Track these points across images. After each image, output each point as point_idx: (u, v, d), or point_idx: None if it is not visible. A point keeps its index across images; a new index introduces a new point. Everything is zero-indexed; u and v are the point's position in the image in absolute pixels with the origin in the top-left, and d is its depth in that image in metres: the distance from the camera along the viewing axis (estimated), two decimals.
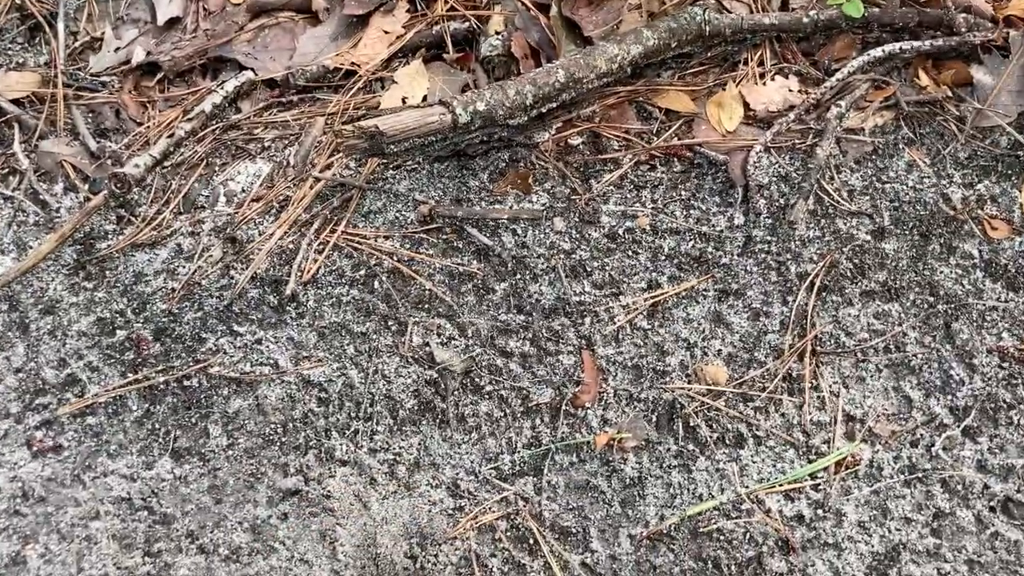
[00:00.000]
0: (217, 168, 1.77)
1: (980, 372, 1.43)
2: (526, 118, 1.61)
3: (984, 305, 1.47)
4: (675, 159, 1.64)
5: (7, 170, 1.81)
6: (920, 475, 1.37)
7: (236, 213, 1.70)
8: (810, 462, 1.40)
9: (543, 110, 1.63)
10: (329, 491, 1.45)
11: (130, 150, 1.81)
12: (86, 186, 1.77)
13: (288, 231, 1.65)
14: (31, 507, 1.49)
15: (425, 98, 1.76)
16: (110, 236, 1.71)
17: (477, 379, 1.51)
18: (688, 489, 1.40)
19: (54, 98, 1.87)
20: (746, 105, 1.68)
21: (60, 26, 1.94)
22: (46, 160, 1.81)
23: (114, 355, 1.59)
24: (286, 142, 1.77)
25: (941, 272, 1.50)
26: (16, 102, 1.87)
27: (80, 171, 1.79)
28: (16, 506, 1.49)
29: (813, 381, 1.45)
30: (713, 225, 1.57)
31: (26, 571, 1.44)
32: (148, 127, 1.83)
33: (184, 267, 1.65)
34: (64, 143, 1.82)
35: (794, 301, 1.50)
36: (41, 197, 1.77)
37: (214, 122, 1.82)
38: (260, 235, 1.66)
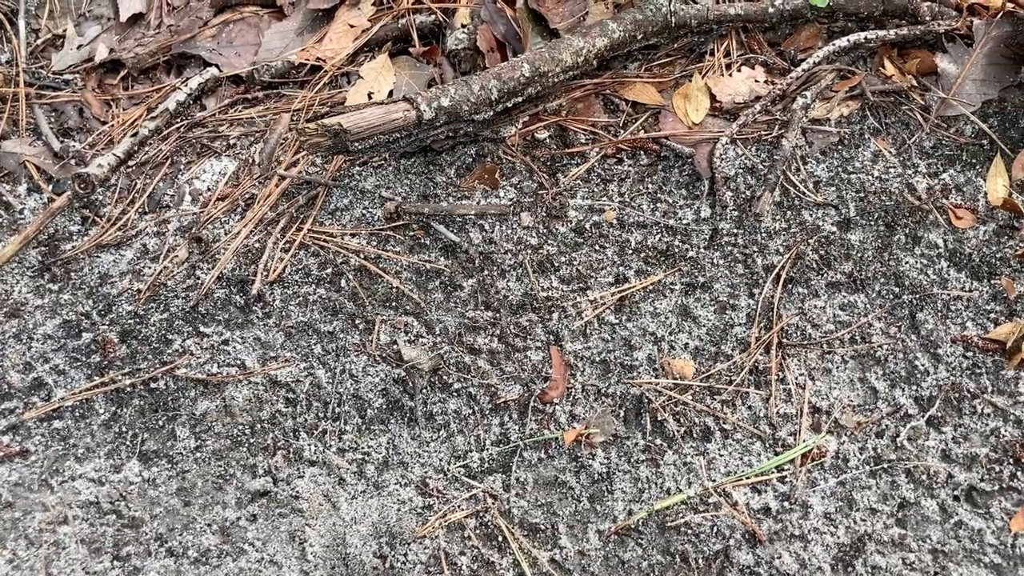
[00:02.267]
0: (182, 166, 1.75)
1: (945, 362, 1.43)
2: (492, 113, 1.60)
3: (949, 295, 1.47)
4: (642, 152, 1.64)
5: None
6: (885, 465, 1.38)
7: (202, 212, 1.68)
8: (776, 454, 1.41)
9: (509, 104, 1.62)
10: (298, 492, 1.45)
11: (94, 149, 1.79)
12: (50, 187, 1.75)
13: (254, 230, 1.64)
14: None
15: (391, 93, 1.75)
16: (75, 237, 1.69)
17: (445, 377, 1.50)
18: (656, 483, 1.41)
19: (16, 97, 1.84)
20: (712, 97, 1.67)
21: (21, 24, 1.92)
22: (8, 161, 1.79)
23: (80, 358, 1.57)
24: (252, 139, 1.76)
25: (906, 262, 1.50)
26: None
27: (44, 171, 1.77)
28: None
29: (779, 373, 1.45)
30: (680, 218, 1.57)
31: None
32: (112, 126, 1.81)
33: (150, 267, 1.64)
34: (27, 143, 1.80)
35: (760, 293, 1.50)
36: (4, 198, 1.75)
37: (178, 120, 1.80)
38: (226, 234, 1.65)
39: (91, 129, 1.83)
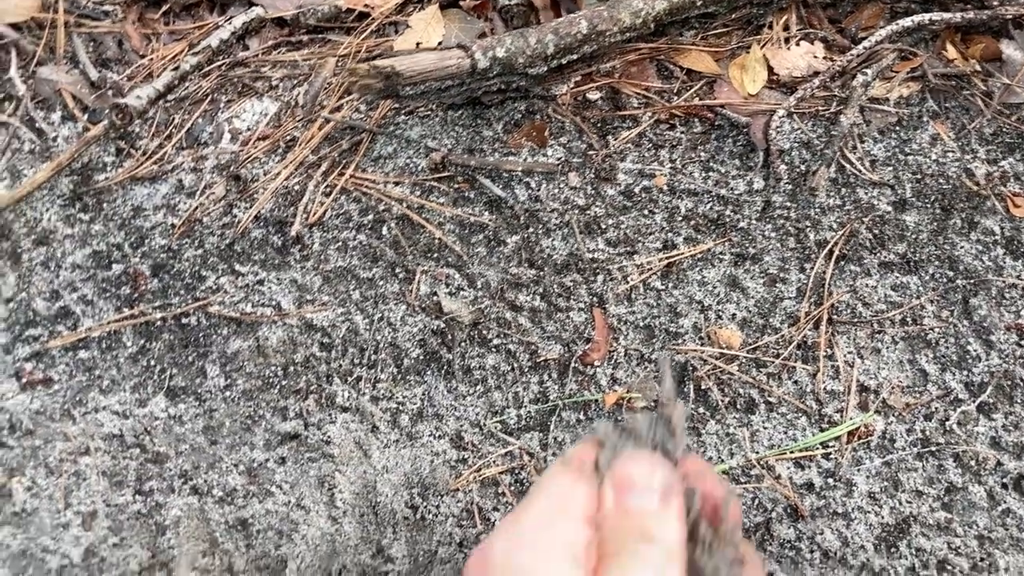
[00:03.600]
0: (222, 105, 1.71)
1: (997, 349, 1.41)
2: (545, 68, 1.57)
3: (1004, 282, 1.45)
4: (695, 119, 1.60)
5: (2, 95, 1.75)
6: (933, 449, 1.35)
7: (241, 151, 1.64)
8: (822, 431, 1.38)
9: (563, 61, 1.58)
10: (329, 437, 1.41)
11: (132, 82, 1.75)
12: (85, 116, 1.71)
13: (294, 172, 1.61)
14: (18, 439, 1.44)
15: (440, 44, 1.71)
16: (109, 168, 1.65)
17: (485, 331, 1.47)
18: (697, 452, 1.38)
19: (54, 24, 1.80)
20: (770, 69, 1.64)
21: None
22: (44, 87, 1.74)
23: (110, 289, 1.53)
24: (294, 82, 1.72)
25: (961, 247, 1.47)
26: (15, 26, 1.80)
27: (79, 100, 1.73)
28: (2, 437, 1.44)
29: (828, 350, 1.42)
30: (732, 188, 1.54)
31: (11, 503, 1.40)
32: (151, 59, 1.77)
33: (185, 203, 1.60)
34: (63, 71, 1.76)
35: (812, 269, 1.47)
36: (37, 125, 1.71)
37: (220, 58, 1.76)
38: (265, 175, 1.61)
39: (129, 62, 1.78)
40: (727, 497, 0.60)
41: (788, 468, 1.36)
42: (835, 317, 1.44)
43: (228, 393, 1.45)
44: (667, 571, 0.53)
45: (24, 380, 1.48)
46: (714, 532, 0.58)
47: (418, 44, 1.70)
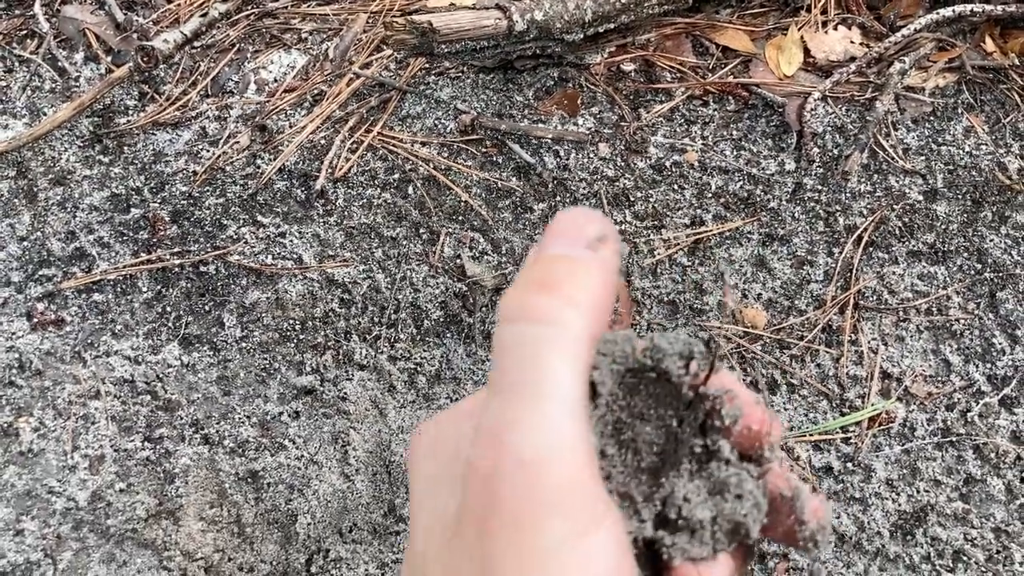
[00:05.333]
0: (249, 55, 1.68)
1: (1023, 343, 1.40)
2: (581, 36, 1.55)
3: None
4: (729, 97, 1.59)
5: (25, 32, 1.72)
6: (953, 439, 1.34)
7: (267, 102, 1.62)
8: (843, 415, 1.36)
9: (599, 30, 1.56)
10: (345, 394, 1.39)
11: (158, 26, 1.72)
12: (109, 57, 1.68)
13: (320, 126, 1.58)
14: (27, 379, 1.42)
15: (474, 4, 1.68)
16: (131, 112, 1.62)
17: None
18: None
19: None
20: (806, 51, 1.63)
21: None
22: (68, 26, 1.71)
23: (127, 233, 1.51)
24: (323, 36, 1.69)
25: (991, 240, 1.46)
26: None
27: (103, 42, 1.70)
28: (11, 376, 1.42)
29: (852, 335, 1.41)
30: (763, 168, 1.52)
31: (17, 443, 1.38)
32: (179, 4, 1.74)
33: (208, 151, 1.57)
34: (88, 11, 1.73)
35: (840, 253, 1.46)
36: (59, 64, 1.67)
37: (249, 7, 1.73)
38: (291, 127, 1.59)
39: (156, 6, 1.75)
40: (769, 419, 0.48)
41: (807, 450, 1.35)
42: (861, 303, 1.43)
43: (244, 344, 1.43)
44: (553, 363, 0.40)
45: (36, 320, 1.46)
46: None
47: (452, 3, 1.68)
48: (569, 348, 0.41)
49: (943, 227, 1.47)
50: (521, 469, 0.38)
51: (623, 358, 0.45)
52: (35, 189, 1.55)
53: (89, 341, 1.44)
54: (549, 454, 0.38)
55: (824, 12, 1.67)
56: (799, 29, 1.64)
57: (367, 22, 1.68)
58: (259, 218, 1.50)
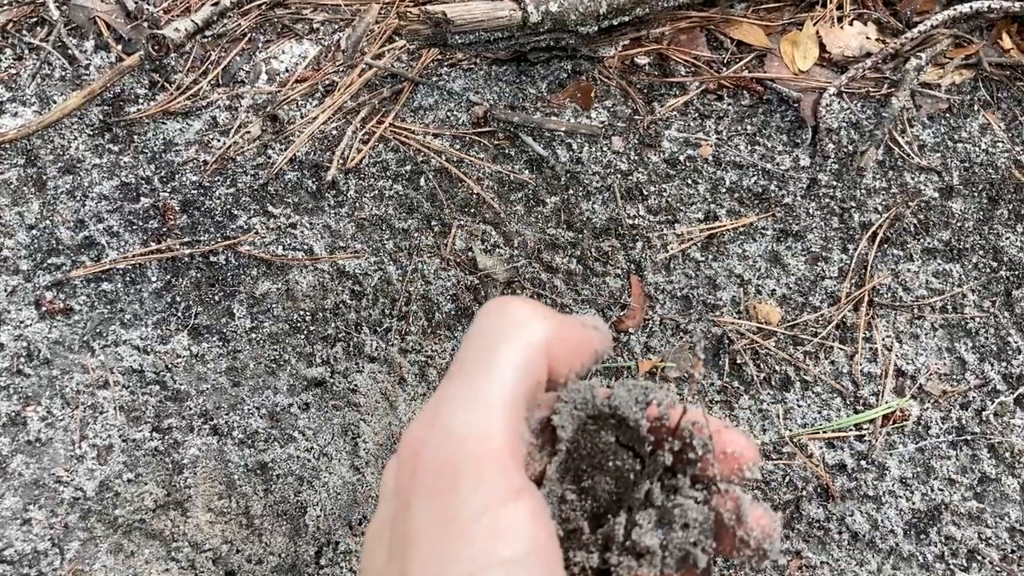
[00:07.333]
0: (260, 45, 1.67)
1: None
2: (596, 28, 1.53)
3: None
4: (744, 92, 1.57)
5: (36, 19, 1.71)
6: (968, 438, 1.33)
7: (278, 92, 1.61)
8: (857, 412, 1.35)
9: (614, 22, 1.55)
10: (355, 386, 1.38)
11: (168, 15, 1.70)
12: (119, 46, 1.67)
13: (332, 117, 1.57)
14: (35, 368, 1.41)
15: None
16: (141, 100, 1.61)
17: (519, 291, 1.44)
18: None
19: None
20: (822, 47, 1.61)
21: None
22: (78, 14, 1.70)
23: (137, 222, 1.50)
24: (335, 26, 1.68)
25: (1007, 238, 1.45)
26: None
27: (114, 30, 1.69)
28: (19, 365, 1.41)
29: (867, 332, 1.40)
30: (778, 163, 1.51)
31: (25, 432, 1.37)
32: None
33: (219, 140, 1.56)
34: None
35: (854, 250, 1.45)
36: (69, 51, 1.66)
37: None
38: (302, 117, 1.58)
39: None
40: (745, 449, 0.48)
41: (820, 448, 1.34)
42: (875, 300, 1.42)
43: (254, 335, 1.42)
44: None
45: (44, 308, 1.45)
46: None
47: None
48: (522, 350, 0.44)
49: (959, 224, 1.46)
50: (447, 439, 0.41)
51: (584, 404, 0.47)
52: (44, 177, 1.55)
53: (98, 330, 1.44)
54: (476, 431, 0.41)
55: (840, 7, 1.66)
56: (814, 24, 1.63)
57: (379, 12, 1.67)
58: (270, 208, 1.49)
